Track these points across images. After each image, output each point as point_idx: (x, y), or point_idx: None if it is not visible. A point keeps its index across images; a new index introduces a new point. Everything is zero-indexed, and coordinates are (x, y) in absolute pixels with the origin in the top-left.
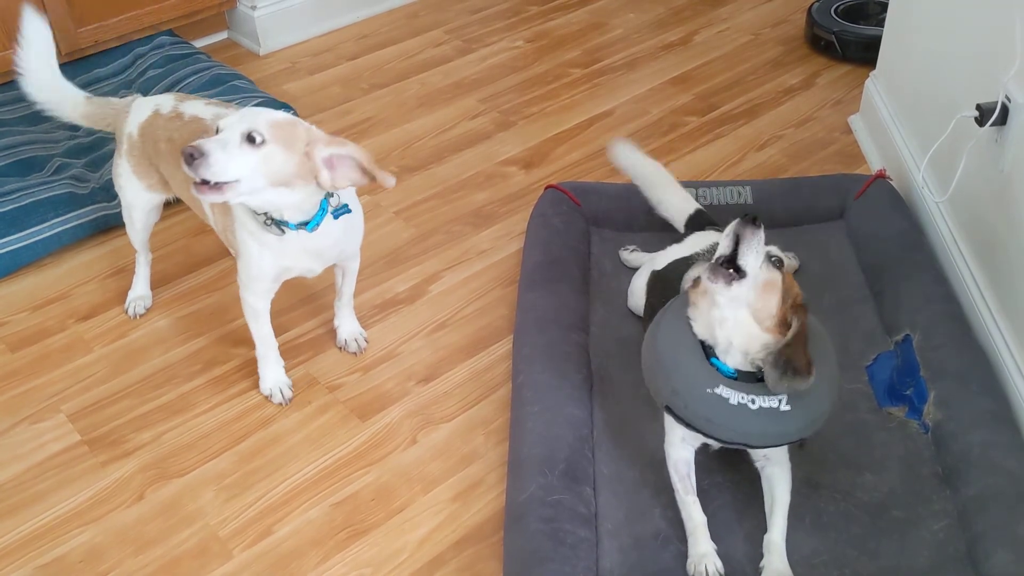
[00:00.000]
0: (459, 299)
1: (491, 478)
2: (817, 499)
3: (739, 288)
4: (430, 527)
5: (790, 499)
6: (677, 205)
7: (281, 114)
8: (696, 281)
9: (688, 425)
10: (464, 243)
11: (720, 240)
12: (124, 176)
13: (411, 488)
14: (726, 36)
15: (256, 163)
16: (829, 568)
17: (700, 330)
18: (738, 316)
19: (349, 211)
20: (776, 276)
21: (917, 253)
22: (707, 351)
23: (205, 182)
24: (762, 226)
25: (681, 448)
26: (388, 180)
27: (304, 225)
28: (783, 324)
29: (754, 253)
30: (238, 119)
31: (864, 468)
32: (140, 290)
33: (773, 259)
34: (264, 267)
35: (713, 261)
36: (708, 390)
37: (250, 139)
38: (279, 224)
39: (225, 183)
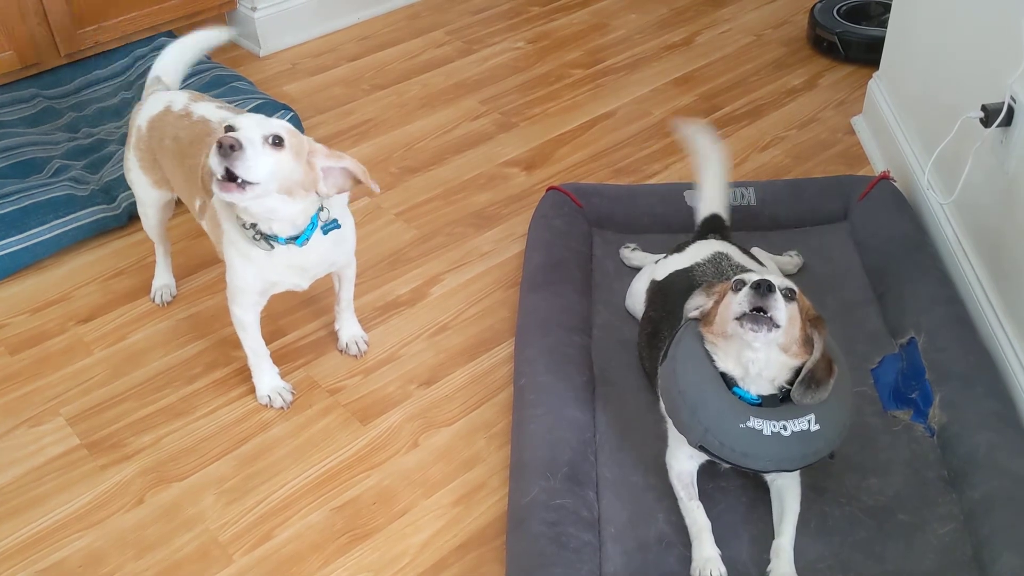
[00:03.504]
0: (461, 301)
1: (493, 481)
2: (822, 503)
3: (776, 334)
4: (432, 531)
5: (799, 508)
6: (705, 200)
7: (285, 123)
8: (707, 317)
9: (724, 461)
10: (465, 245)
11: (739, 303)
12: (133, 171)
13: (413, 492)
14: (728, 37)
15: (273, 166)
16: (835, 572)
17: (728, 365)
18: (770, 354)
19: (339, 226)
20: (795, 308)
21: (921, 255)
22: (727, 381)
23: (231, 179)
24: (775, 288)
25: (686, 463)
26: (375, 187)
27: (294, 240)
28: (807, 343)
29: (782, 308)
30: (255, 121)
31: (869, 472)
32: (163, 279)
33: (786, 292)
34: (249, 281)
35: (744, 312)
36: (741, 425)
37: (272, 142)
38: (268, 239)
39: (249, 183)
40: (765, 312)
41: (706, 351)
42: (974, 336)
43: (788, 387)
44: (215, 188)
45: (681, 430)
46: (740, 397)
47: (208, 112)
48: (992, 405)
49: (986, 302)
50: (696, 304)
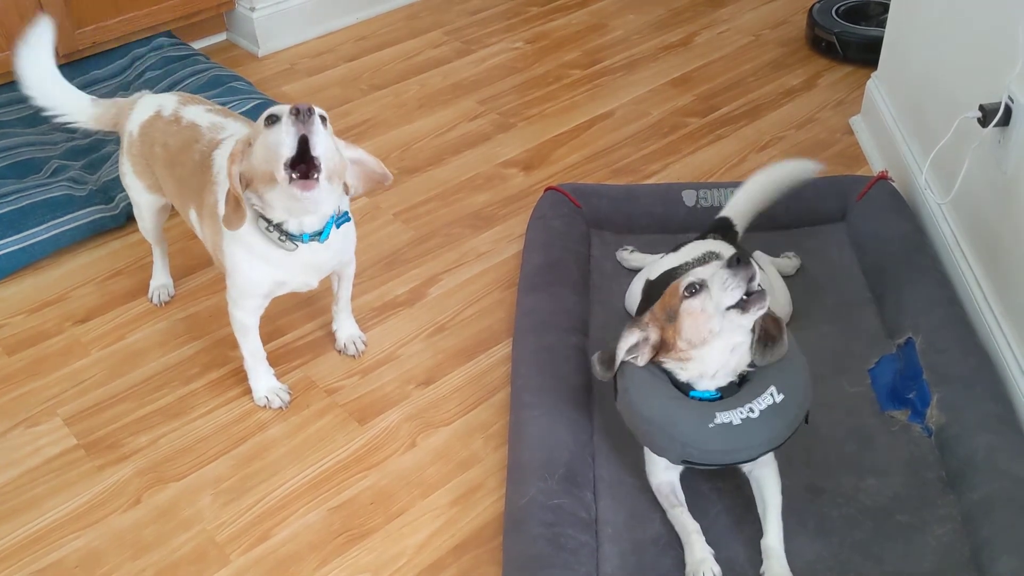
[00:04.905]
0: (458, 302)
1: (491, 482)
2: (820, 504)
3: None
4: (429, 531)
5: (782, 500)
6: (728, 204)
7: None
8: (665, 344)
9: (711, 465)
10: (463, 245)
11: (728, 289)
12: (128, 175)
13: (410, 492)
14: (727, 37)
15: (327, 143)
16: (833, 573)
17: (702, 368)
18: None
19: (349, 218)
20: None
21: (919, 255)
22: (682, 391)
23: (303, 168)
24: (751, 259)
25: (665, 474)
26: (389, 175)
27: (317, 236)
28: None
29: (758, 274)
30: (293, 105)
31: (867, 472)
32: (160, 279)
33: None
34: (257, 283)
35: (740, 299)
36: (710, 425)
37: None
38: (292, 238)
39: (316, 162)
40: (753, 283)
41: (654, 372)
42: (973, 338)
43: (746, 370)
44: (295, 189)
45: (660, 453)
46: (701, 399)
47: (197, 117)
48: (991, 406)
49: (984, 302)
50: (631, 344)
